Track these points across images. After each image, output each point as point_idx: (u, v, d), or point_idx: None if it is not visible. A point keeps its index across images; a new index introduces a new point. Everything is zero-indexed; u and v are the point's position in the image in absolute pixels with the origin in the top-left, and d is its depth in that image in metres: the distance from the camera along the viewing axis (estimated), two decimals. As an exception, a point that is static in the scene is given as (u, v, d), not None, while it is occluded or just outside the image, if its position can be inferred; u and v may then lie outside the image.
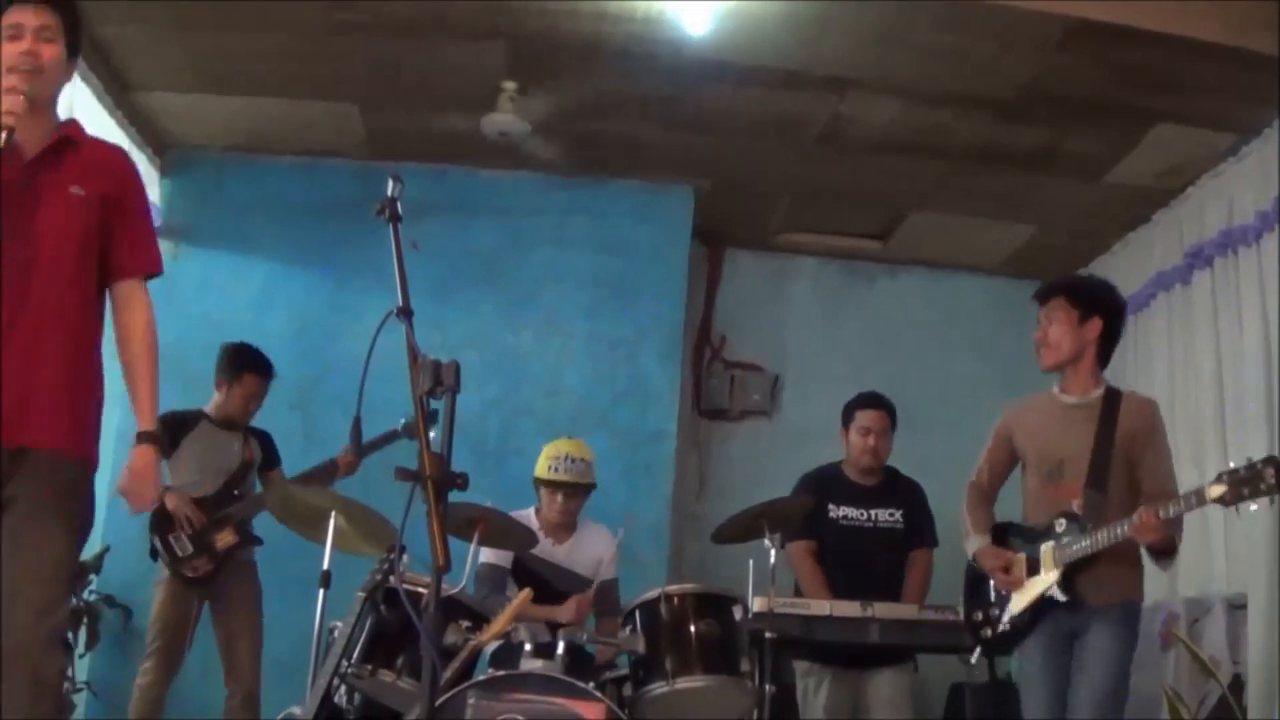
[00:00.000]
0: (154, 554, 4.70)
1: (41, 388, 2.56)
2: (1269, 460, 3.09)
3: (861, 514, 4.78)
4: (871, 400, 4.90)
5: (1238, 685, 4.28)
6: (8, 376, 2.49)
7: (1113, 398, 3.59)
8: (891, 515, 4.80)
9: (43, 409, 2.56)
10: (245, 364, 4.90)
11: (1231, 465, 3.18)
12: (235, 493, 4.79)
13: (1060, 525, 3.51)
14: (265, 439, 5.02)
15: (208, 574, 4.67)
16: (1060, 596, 3.46)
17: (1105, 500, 3.44)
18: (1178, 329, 5.48)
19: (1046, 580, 3.49)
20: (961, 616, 3.86)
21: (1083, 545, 3.42)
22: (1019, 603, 3.56)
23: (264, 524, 4.75)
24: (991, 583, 3.67)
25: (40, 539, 2.48)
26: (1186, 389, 5.32)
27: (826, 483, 4.84)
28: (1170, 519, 3.27)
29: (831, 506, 4.78)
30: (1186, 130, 5.03)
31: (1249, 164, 4.95)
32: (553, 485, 4.47)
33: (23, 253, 2.55)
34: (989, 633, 3.66)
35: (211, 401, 4.93)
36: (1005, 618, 3.60)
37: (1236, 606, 4.46)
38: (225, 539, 4.69)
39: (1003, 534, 3.71)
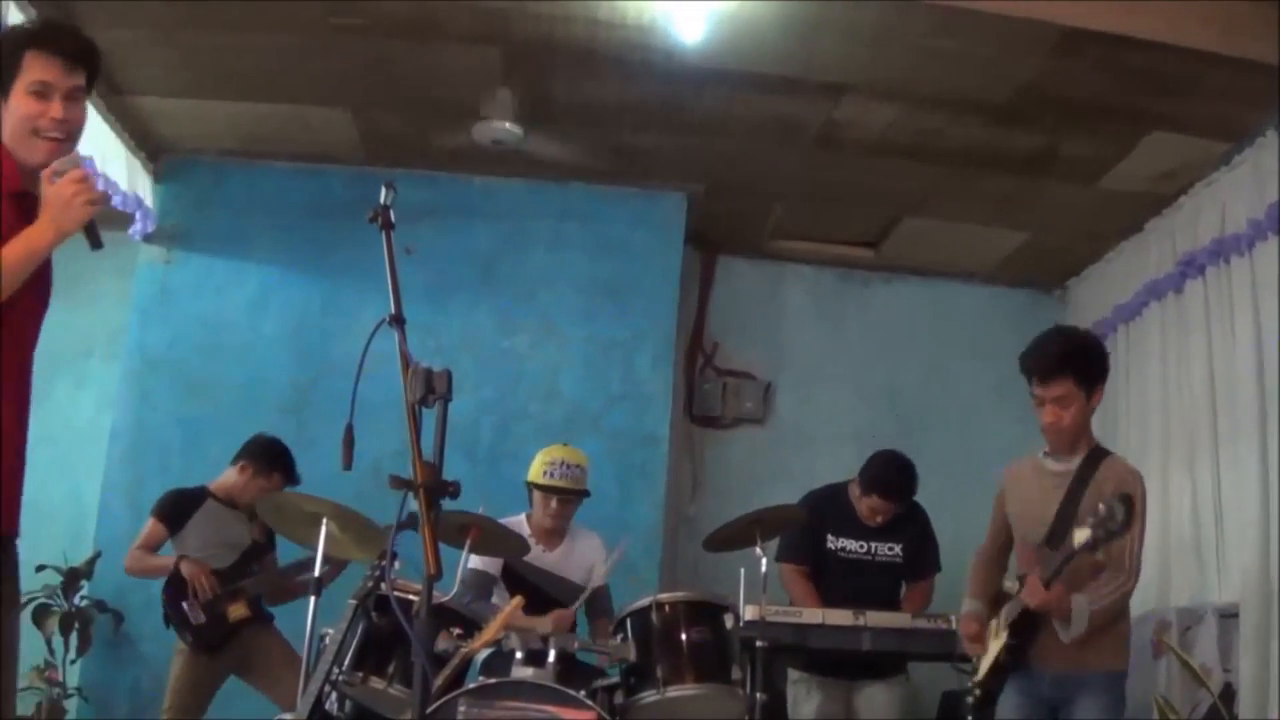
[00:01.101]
0: (167, 621, 4.64)
1: (16, 470, 2.39)
2: (1123, 498, 3.22)
3: (861, 546, 4.72)
4: (891, 490, 4.66)
5: (1229, 694, 4.29)
6: (11, 461, 2.33)
7: (1093, 461, 3.53)
8: (891, 550, 4.73)
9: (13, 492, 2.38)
10: (279, 466, 4.80)
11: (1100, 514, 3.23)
12: (253, 569, 4.73)
13: (1014, 589, 3.52)
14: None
15: (219, 644, 4.60)
16: (1002, 657, 3.49)
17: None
18: (1170, 337, 5.47)
19: (998, 643, 3.53)
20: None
21: (1014, 608, 3.47)
22: (982, 667, 3.60)
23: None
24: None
25: (16, 625, 2.42)
26: (1179, 397, 5.32)
27: (830, 508, 4.74)
28: (1061, 589, 3.32)
29: (830, 537, 4.72)
30: (1181, 137, 5.02)
31: (1242, 171, 4.93)
32: (547, 490, 4.47)
33: (30, 328, 2.40)
34: (970, 699, 3.66)
35: (221, 480, 4.84)
36: (974, 680, 3.63)
37: (1228, 615, 4.46)
38: (238, 611, 4.63)
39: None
